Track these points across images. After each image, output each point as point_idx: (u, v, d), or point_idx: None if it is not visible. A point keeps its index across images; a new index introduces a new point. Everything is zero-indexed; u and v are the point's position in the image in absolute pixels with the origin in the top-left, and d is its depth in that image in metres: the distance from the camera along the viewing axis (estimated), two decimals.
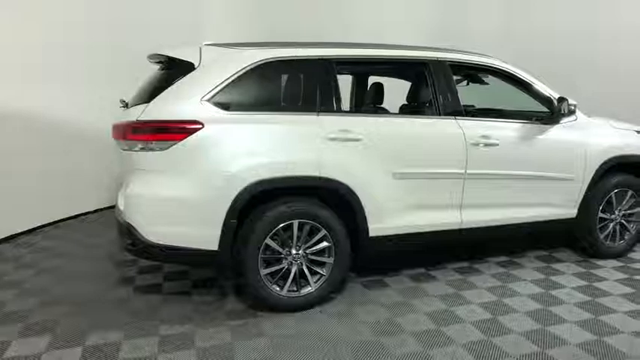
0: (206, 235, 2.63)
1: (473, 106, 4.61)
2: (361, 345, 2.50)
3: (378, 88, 3.70)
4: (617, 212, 3.76)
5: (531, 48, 6.06)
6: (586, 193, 3.57)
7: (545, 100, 3.47)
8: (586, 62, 5.73)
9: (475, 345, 2.50)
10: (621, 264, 3.68)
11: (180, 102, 2.63)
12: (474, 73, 3.80)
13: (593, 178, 3.55)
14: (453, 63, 3.30)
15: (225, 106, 2.68)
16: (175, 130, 2.57)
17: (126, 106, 3.00)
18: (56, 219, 4.75)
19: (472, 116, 3.62)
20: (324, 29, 6.05)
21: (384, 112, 3.73)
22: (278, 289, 2.82)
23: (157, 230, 2.63)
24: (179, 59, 2.76)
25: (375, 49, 3.15)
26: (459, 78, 4.10)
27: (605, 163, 3.57)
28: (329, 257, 2.91)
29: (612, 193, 3.68)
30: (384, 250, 3.17)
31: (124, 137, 2.65)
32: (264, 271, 2.77)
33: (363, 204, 2.90)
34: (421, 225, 3.12)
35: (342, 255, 2.91)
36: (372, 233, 2.98)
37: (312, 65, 2.90)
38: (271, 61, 2.81)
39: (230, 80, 2.71)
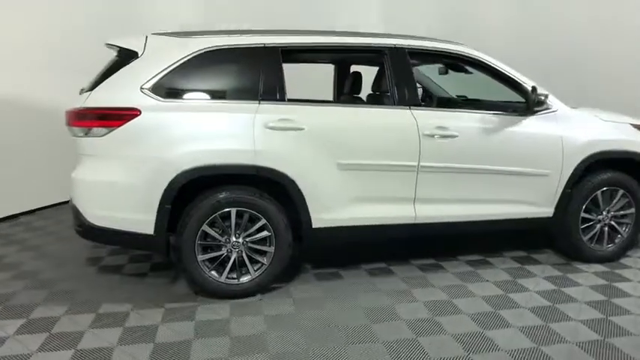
0: (142, 220, 2.71)
1: (465, 96, 4.42)
2: None
3: (356, 77, 3.63)
4: (605, 213, 3.45)
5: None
6: (564, 190, 3.30)
7: (521, 91, 3.24)
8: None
9: (399, 344, 2.41)
10: (606, 269, 3.38)
11: (120, 90, 2.72)
12: (444, 61, 3.61)
13: (573, 174, 3.28)
14: (414, 50, 3.16)
15: (164, 94, 2.73)
16: (113, 117, 2.66)
17: None
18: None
19: (445, 107, 3.46)
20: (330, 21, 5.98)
21: (360, 102, 3.65)
22: (216, 275, 2.86)
23: (98, 213, 2.74)
24: (125, 48, 2.84)
25: (324, 37, 3.07)
26: (441, 66, 3.94)
27: (587, 158, 3.28)
28: (270, 246, 2.90)
29: (598, 192, 3.37)
30: (330, 241, 3.12)
31: (69, 124, 2.77)
32: (201, 257, 2.81)
33: (304, 194, 2.86)
34: (370, 217, 3.03)
35: (283, 245, 2.90)
36: (315, 224, 2.94)
37: (255, 53, 2.88)
38: (213, 50, 2.83)
39: (170, 69, 2.76)
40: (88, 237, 2.88)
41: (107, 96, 2.71)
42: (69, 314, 2.71)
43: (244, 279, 2.90)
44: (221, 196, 2.77)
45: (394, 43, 3.11)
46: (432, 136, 3.01)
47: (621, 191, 3.41)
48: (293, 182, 2.83)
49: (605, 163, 3.39)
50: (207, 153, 2.70)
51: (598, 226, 3.46)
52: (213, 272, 2.85)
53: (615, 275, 3.28)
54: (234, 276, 2.89)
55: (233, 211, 2.80)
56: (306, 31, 3.10)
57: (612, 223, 3.48)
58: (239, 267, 2.90)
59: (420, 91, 4.37)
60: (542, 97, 3.09)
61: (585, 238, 3.44)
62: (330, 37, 3.08)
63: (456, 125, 3.07)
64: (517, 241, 3.88)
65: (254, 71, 2.87)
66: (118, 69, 2.78)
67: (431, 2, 6.35)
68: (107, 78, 2.76)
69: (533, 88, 3.09)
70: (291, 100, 2.91)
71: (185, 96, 2.79)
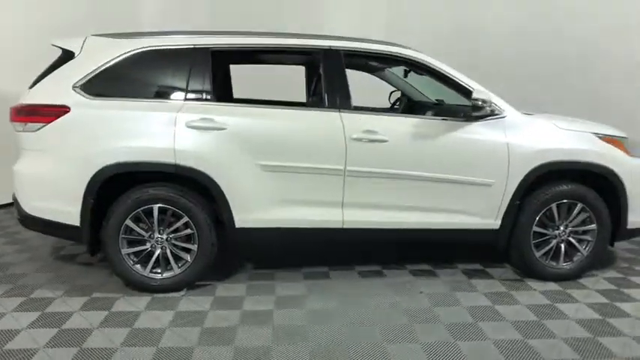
0: (69, 211, 2.85)
1: (442, 100, 4.26)
2: None
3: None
4: (562, 228, 3.21)
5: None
6: (512, 202, 3.11)
7: (466, 95, 3.09)
8: None
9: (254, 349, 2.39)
10: (558, 289, 3.14)
11: (55, 87, 2.87)
12: (385, 63, 3.52)
13: (520, 185, 3.08)
14: (350, 52, 3.10)
15: (93, 93, 2.85)
16: (45, 114, 2.81)
17: None
18: None
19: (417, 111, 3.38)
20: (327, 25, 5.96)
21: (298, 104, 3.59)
22: (141, 268, 2.95)
23: (32, 204, 2.92)
24: (65, 48, 2.99)
25: (256, 38, 3.08)
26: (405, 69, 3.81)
27: (536, 169, 3.07)
28: (193, 244, 2.96)
29: (553, 205, 3.15)
30: (255, 242, 3.12)
31: (11, 119, 2.97)
32: (125, 251, 2.91)
33: (226, 194, 2.89)
34: (296, 220, 3.01)
35: (205, 243, 2.94)
36: (238, 224, 2.96)
37: (185, 54, 2.95)
38: (143, 50, 2.92)
39: (101, 68, 2.88)
40: (27, 226, 3.06)
41: (43, 93, 2.87)
42: (64, 297, 2.89)
43: (167, 274, 2.97)
44: (143, 192, 2.86)
45: (329, 44, 3.07)
46: (360, 140, 2.94)
47: (580, 205, 3.16)
48: (214, 182, 2.86)
49: (563, 174, 3.16)
50: (127, 150, 2.79)
51: (554, 241, 3.22)
52: (137, 266, 2.95)
53: (563, 295, 3.04)
54: (159, 271, 2.97)
55: (155, 207, 2.88)
56: (239, 32, 3.12)
57: (571, 239, 3.23)
58: (165, 262, 2.97)
59: (398, 94, 4.34)
60: (480, 102, 2.92)
61: (538, 254, 3.22)
62: (262, 38, 3.09)
63: (387, 129, 2.98)
64: (480, 252, 3.69)
65: (182, 71, 2.94)
66: (56, 68, 2.94)
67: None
68: (46, 76, 2.93)
69: (470, 93, 2.94)
70: (215, 100, 2.94)
71: (113, 94, 2.89)
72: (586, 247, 3.26)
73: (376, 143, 2.95)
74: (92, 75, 2.87)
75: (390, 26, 5.92)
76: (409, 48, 3.19)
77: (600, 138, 3.18)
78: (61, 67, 2.91)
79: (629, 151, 3.23)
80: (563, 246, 3.24)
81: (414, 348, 2.40)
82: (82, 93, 2.84)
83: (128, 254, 2.92)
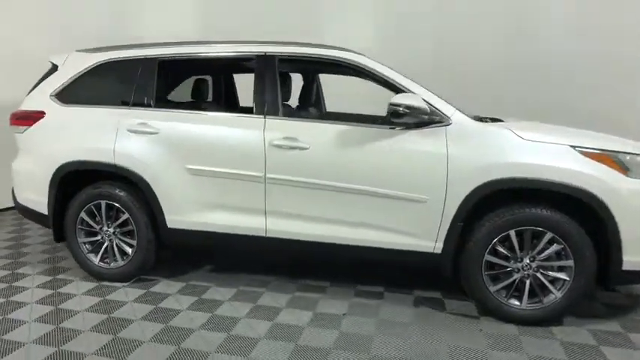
0: (42, 202, 3.30)
1: None
2: None
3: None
4: (526, 261, 2.64)
5: None
6: (453, 223, 2.66)
7: None
8: None
9: None
10: (514, 333, 2.59)
11: (39, 96, 3.36)
12: (324, 68, 3.29)
13: (463, 204, 2.62)
14: (287, 57, 3.02)
15: (64, 100, 3.28)
16: (28, 118, 3.32)
17: None
18: None
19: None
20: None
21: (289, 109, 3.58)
22: (94, 258, 3.28)
23: (21, 195, 3.45)
24: (53, 62, 3.49)
25: (197, 46, 3.17)
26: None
27: (483, 186, 2.58)
28: (133, 240, 3.18)
29: (511, 232, 2.61)
30: (187, 243, 3.20)
31: (10, 123, 3.53)
32: (81, 240, 3.27)
33: (157, 194, 3.05)
34: (223, 225, 3.02)
35: (142, 240, 3.14)
36: (170, 225, 3.09)
37: (135, 64, 3.20)
38: (105, 62, 3.26)
39: (72, 79, 3.29)
40: (20, 214, 3.62)
41: (30, 101, 3.39)
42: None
43: (114, 265, 3.25)
44: (94, 188, 3.18)
45: (264, 50, 3.03)
46: (280, 146, 2.83)
47: (549, 235, 2.56)
48: (146, 182, 3.05)
49: (515, 194, 2.62)
50: (79, 150, 3.14)
51: (516, 276, 2.67)
52: (91, 254, 3.28)
53: (510, 344, 2.50)
54: (107, 261, 3.26)
55: (103, 203, 3.18)
56: (186, 42, 3.26)
57: (540, 275, 2.64)
58: (114, 254, 3.25)
59: None
60: (401, 109, 2.57)
61: (494, 289, 2.69)
62: (205, 46, 3.18)
63: (309, 137, 2.82)
64: None
65: (132, 80, 3.19)
66: (46, 79, 3.45)
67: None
68: (37, 86, 3.46)
69: (394, 100, 2.61)
70: (152, 106, 3.12)
71: (79, 102, 3.27)
72: (561, 287, 2.62)
73: (296, 151, 2.82)
74: (65, 85, 3.30)
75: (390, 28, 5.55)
76: (351, 51, 2.97)
77: (581, 152, 2.54)
78: (48, 79, 3.40)
79: (626, 171, 2.52)
80: (528, 283, 2.66)
81: None
82: (56, 100, 3.28)
83: (83, 243, 3.27)
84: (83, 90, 3.30)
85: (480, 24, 5.12)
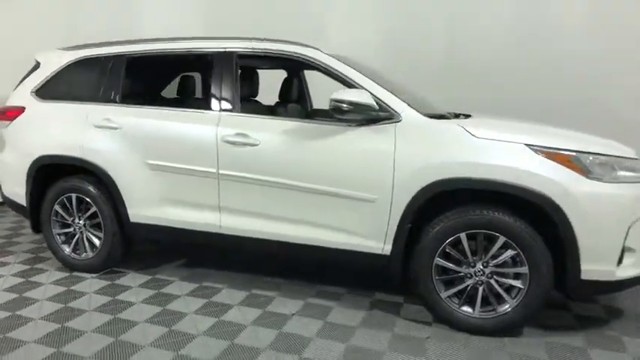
0: (21, 194, 3.45)
1: None
2: None
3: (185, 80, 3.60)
4: (479, 266, 2.49)
5: None
6: (401, 225, 2.55)
7: None
8: None
9: None
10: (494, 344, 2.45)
11: (22, 92, 3.51)
12: (284, 63, 3.23)
13: (410, 205, 2.50)
14: (246, 54, 2.99)
15: (42, 96, 3.40)
16: (10, 113, 3.48)
17: None
18: None
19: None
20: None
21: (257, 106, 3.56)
22: (67, 248, 3.39)
23: (5, 187, 3.62)
24: (37, 60, 3.63)
25: (162, 43, 3.19)
26: None
27: (430, 186, 2.45)
28: (100, 232, 3.27)
29: (462, 235, 2.46)
30: (149, 237, 3.24)
31: None
32: (55, 231, 3.39)
33: (120, 189, 3.11)
34: (180, 220, 3.04)
35: (108, 233, 3.22)
36: (132, 219, 3.15)
37: (107, 62, 3.27)
38: (77, 60, 3.36)
39: (50, 76, 3.42)
40: (8, 206, 3.78)
41: (14, 97, 3.55)
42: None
43: (84, 256, 3.35)
44: (65, 182, 3.29)
45: (223, 46, 3.02)
46: (233, 143, 2.82)
47: (502, 239, 2.41)
48: (110, 177, 3.12)
49: (464, 195, 2.48)
50: (50, 144, 3.26)
51: (469, 281, 2.52)
52: (64, 245, 3.39)
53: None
54: (78, 252, 3.37)
55: (73, 196, 3.28)
56: (150, 39, 3.29)
57: (493, 282, 2.48)
58: (84, 246, 3.35)
59: None
60: (345, 106, 2.48)
61: (445, 295, 2.56)
62: (165, 43, 3.19)
63: (260, 133, 2.78)
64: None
65: (101, 77, 3.27)
66: (29, 76, 3.59)
67: None
68: (21, 83, 3.61)
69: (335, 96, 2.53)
70: (117, 102, 3.18)
71: (54, 97, 3.38)
72: (516, 295, 2.45)
73: (247, 147, 2.79)
74: (44, 82, 3.43)
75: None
76: (306, 45, 2.90)
77: (536, 151, 2.36)
78: (30, 76, 3.55)
79: (586, 172, 2.31)
80: (481, 289, 2.51)
81: None
82: (35, 96, 3.42)
83: (58, 234, 3.39)
84: (59, 86, 3.41)
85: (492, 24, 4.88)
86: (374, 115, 2.56)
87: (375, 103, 2.53)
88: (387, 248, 2.62)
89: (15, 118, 3.44)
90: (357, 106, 2.50)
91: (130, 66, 3.24)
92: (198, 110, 3.01)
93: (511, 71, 4.55)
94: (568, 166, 2.32)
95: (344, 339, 2.47)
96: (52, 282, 3.20)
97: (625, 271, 2.38)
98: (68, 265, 3.39)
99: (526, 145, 2.37)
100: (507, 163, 2.35)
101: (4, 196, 3.67)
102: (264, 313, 2.76)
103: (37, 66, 3.56)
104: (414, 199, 2.49)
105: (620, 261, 2.37)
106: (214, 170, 2.87)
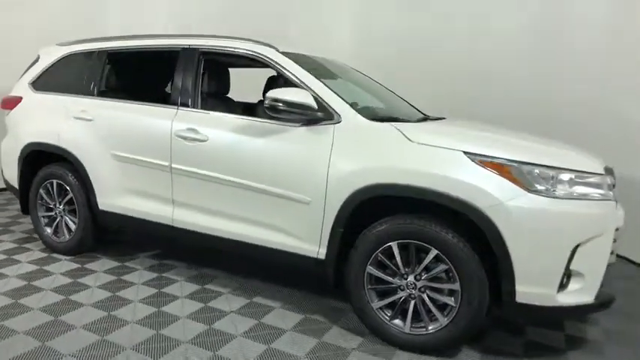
0: (15, 177, 3.72)
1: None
2: None
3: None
4: (412, 278, 2.35)
5: None
6: (334, 229, 2.46)
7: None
8: None
9: None
10: None
11: (21, 83, 3.79)
12: (241, 61, 3.22)
13: (342, 209, 2.41)
14: (207, 50, 3.03)
15: (37, 88, 3.65)
16: (10, 102, 3.76)
17: None
18: None
19: None
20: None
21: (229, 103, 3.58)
22: (49, 230, 3.59)
23: (5, 172, 3.91)
24: (38, 54, 3.89)
25: (137, 40, 3.30)
26: None
27: (360, 192, 2.35)
28: (76, 217, 3.45)
29: (393, 245, 2.34)
30: (117, 225, 3.35)
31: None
32: (40, 214, 3.61)
33: (90, 177, 3.27)
34: (139, 211, 3.13)
35: (81, 218, 3.39)
36: (101, 206, 3.29)
37: (90, 57, 3.45)
38: (68, 55, 3.57)
39: (44, 69, 3.66)
40: (7, 189, 4.08)
41: (16, 87, 3.83)
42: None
43: (62, 239, 3.54)
44: (47, 168, 3.50)
45: (188, 43, 3.07)
46: (185, 138, 2.86)
47: (434, 252, 2.26)
48: (82, 165, 3.28)
49: (393, 202, 2.35)
50: (35, 132, 3.48)
51: (401, 294, 2.39)
52: (47, 227, 3.61)
53: None
54: (58, 234, 3.57)
55: (54, 182, 3.48)
56: (128, 36, 3.41)
57: (425, 297, 2.33)
58: (63, 228, 3.55)
59: None
60: (281, 105, 2.43)
61: (376, 305, 2.44)
62: (139, 40, 3.30)
63: (209, 129, 2.80)
64: None
65: (84, 71, 3.45)
66: (30, 68, 3.86)
67: None
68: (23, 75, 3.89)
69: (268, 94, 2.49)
70: (93, 95, 3.34)
71: (46, 89, 3.61)
72: (448, 313, 2.29)
73: (196, 142, 2.82)
74: (39, 74, 3.68)
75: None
76: (262, 43, 2.88)
77: (474, 160, 2.19)
78: (31, 68, 3.81)
79: (528, 185, 2.11)
80: (412, 303, 2.37)
81: None
82: (31, 88, 3.67)
83: (42, 217, 3.61)
84: (50, 79, 3.64)
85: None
86: (313, 116, 2.50)
87: (313, 104, 2.46)
88: (321, 252, 2.54)
89: (14, 107, 3.71)
90: (293, 106, 2.45)
91: (109, 62, 3.40)
92: (160, 105, 3.08)
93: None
94: (507, 178, 2.13)
95: (268, 340, 2.43)
96: (29, 261, 3.41)
97: (568, 298, 2.15)
98: (49, 246, 3.61)
99: (464, 152, 2.21)
100: (436, 171, 2.20)
101: (4, 180, 3.96)
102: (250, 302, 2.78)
103: (37, 59, 3.81)
104: (346, 203, 2.40)
105: (562, 285, 2.14)
106: (167, 164, 2.93)
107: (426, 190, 2.21)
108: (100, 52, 3.42)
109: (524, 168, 2.13)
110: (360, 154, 2.39)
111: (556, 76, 4.45)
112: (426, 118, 3.05)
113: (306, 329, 2.57)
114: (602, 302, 2.23)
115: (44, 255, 3.54)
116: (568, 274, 2.16)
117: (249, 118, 2.74)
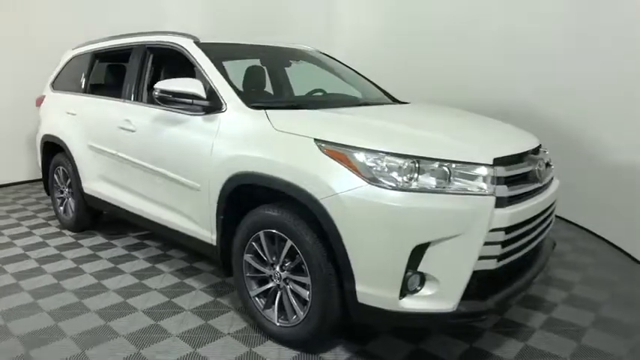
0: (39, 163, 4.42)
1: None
2: None
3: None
4: (278, 268, 2.31)
5: None
6: (217, 216, 2.51)
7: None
8: None
9: None
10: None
11: (47, 84, 4.47)
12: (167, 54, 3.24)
13: (220, 197, 2.45)
14: (149, 46, 3.26)
15: (53, 87, 4.29)
16: (39, 100, 4.47)
17: None
18: None
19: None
20: None
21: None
22: (61, 210, 4.22)
23: (38, 158, 4.65)
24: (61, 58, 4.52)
25: (111, 41, 3.67)
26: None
27: (232, 179, 2.36)
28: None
29: (261, 234, 2.32)
30: (98, 207, 3.77)
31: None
32: (55, 195, 4.25)
33: (76, 163, 3.75)
34: (108, 196, 3.51)
35: (76, 200, 3.91)
36: (85, 190, 3.76)
37: (85, 58, 3.95)
38: (73, 57, 4.13)
39: (60, 70, 4.28)
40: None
41: (45, 87, 4.53)
42: None
43: (67, 217, 4.13)
44: (56, 157, 4.11)
45: (139, 41, 3.34)
46: (123, 128, 3.14)
47: (289, 243, 2.19)
48: (71, 154, 3.78)
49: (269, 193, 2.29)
50: (47, 126, 4.10)
51: (271, 284, 2.37)
52: (60, 207, 4.24)
53: None
54: (66, 214, 4.17)
55: (60, 168, 4.07)
56: (106, 38, 3.79)
57: (289, 289, 2.28)
58: (69, 208, 4.14)
59: None
60: (169, 96, 2.54)
61: (253, 293, 2.44)
62: (112, 41, 3.65)
63: (137, 120, 3.04)
64: None
65: (80, 71, 3.96)
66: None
67: None
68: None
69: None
70: (78, 92, 3.81)
71: (57, 88, 4.22)
72: (305, 307, 2.21)
73: (129, 132, 3.08)
74: (56, 75, 4.31)
75: None
76: (188, 36, 3.00)
77: (321, 147, 2.05)
78: (54, 71, 4.48)
79: (367, 176, 1.92)
80: (278, 295, 2.32)
81: None
82: (51, 87, 4.33)
83: (57, 198, 4.24)
84: (61, 79, 4.24)
85: None
86: (204, 105, 2.57)
87: (200, 93, 2.52)
88: (213, 238, 2.61)
89: (41, 103, 4.40)
90: (181, 96, 2.54)
91: (92, 62, 3.86)
92: (115, 99, 3.39)
93: None
94: (348, 167, 1.96)
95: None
96: (40, 234, 4.05)
97: (416, 303, 1.91)
98: (61, 222, 4.23)
99: (315, 139, 2.09)
100: (285, 159, 2.13)
101: (39, 166, 4.72)
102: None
103: (59, 63, 4.46)
104: (222, 190, 2.43)
105: (409, 289, 1.91)
106: (115, 152, 3.26)
107: (275, 179, 2.15)
108: (90, 54, 3.89)
109: (369, 157, 1.94)
110: (233, 142, 2.40)
111: None
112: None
113: (202, 312, 2.67)
114: (470, 313, 1.93)
115: (56, 231, 4.16)
116: (422, 278, 1.92)
117: (162, 108, 2.86)
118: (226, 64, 2.88)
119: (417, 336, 2.39)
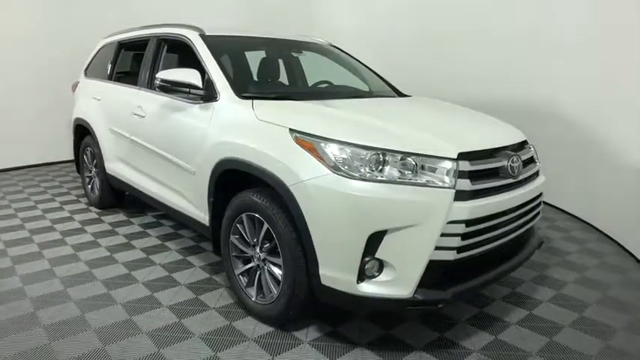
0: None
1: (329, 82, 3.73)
2: None
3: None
4: (257, 250, 2.47)
5: None
6: (208, 198, 2.69)
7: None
8: None
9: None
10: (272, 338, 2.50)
11: (82, 70, 4.83)
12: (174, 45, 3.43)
13: (210, 181, 2.62)
14: (160, 37, 3.47)
15: (86, 74, 4.63)
16: (74, 86, 4.83)
17: None
18: None
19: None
20: None
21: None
22: (88, 188, 4.58)
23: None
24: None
25: (131, 32, 3.91)
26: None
27: (219, 164, 2.53)
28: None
29: (244, 216, 2.47)
30: (120, 187, 4.05)
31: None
32: (84, 174, 4.61)
33: (100, 143, 4.06)
34: (124, 176, 3.79)
35: (99, 178, 4.23)
36: (107, 170, 4.07)
37: (111, 47, 4.23)
38: (103, 46, 4.43)
39: (92, 59, 4.61)
40: None
41: (80, 74, 4.90)
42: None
43: (94, 194, 4.47)
44: (85, 139, 4.45)
45: (153, 32, 3.56)
46: (136, 114, 3.39)
47: (266, 226, 2.34)
48: (96, 136, 4.10)
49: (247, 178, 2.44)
50: (78, 110, 4.44)
51: (253, 263, 2.53)
52: (87, 186, 4.60)
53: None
54: (93, 192, 4.52)
55: (88, 150, 4.41)
56: (132, 28, 4.03)
57: (266, 269, 2.43)
58: (95, 187, 4.49)
59: None
60: (168, 85, 2.74)
61: (237, 272, 2.61)
62: (132, 32, 3.90)
63: (147, 106, 3.26)
64: None
65: (107, 59, 4.25)
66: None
67: None
68: None
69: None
70: (104, 79, 4.10)
71: (90, 75, 4.55)
72: (278, 286, 2.35)
73: (140, 118, 3.32)
74: (89, 63, 4.65)
75: None
76: (194, 28, 3.17)
77: (295, 137, 2.17)
78: (88, 58, 4.82)
79: (330, 164, 2.02)
80: (258, 274, 2.48)
81: None
82: (84, 74, 4.67)
83: (86, 177, 4.60)
84: (92, 67, 4.57)
85: None
86: (201, 94, 2.74)
87: (196, 82, 2.70)
88: (206, 219, 2.80)
89: (76, 88, 4.77)
90: (179, 85, 2.73)
91: (119, 50, 4.12)
92: (134, 86, 3.63)
93: None
94: (315, 156, 2.08)
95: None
96: (69, 210, 4.42)
97: (373, 288, 2.01)
98: (88, 199, 4.58)
99: (290, 129, 2.21)
100: (261, 147, 2.27)
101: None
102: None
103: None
104: (212, 174, 2.60)
105: (367, 274, 2.01)
106: (129, 136, 3.51)
107: (253, 165, 2.29)
108: (114, 43, 4.17)
109: (335, 147, 2.04)
110: (222, 129, 2.56)
111: None
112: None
113: (195, 287, 2.87)
114: (426, 300, 2.00)
115: (83, 207, 4.52)
116: (381, 264, 2.01)
117: (168, 95, 3.05)
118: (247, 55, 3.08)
119: (389, 321, 2.48)
